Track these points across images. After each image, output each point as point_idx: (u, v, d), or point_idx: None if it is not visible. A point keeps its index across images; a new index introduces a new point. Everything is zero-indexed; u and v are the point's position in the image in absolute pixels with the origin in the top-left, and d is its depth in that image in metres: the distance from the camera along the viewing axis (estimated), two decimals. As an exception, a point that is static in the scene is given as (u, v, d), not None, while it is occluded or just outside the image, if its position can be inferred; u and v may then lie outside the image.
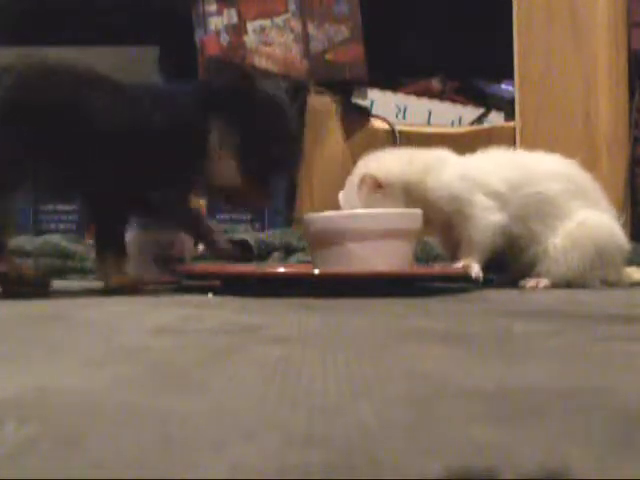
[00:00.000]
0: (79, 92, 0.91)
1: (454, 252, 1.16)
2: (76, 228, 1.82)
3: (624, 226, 1.22)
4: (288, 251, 1.46)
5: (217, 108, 0.91)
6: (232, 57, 1.92)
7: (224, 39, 1.93)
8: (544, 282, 1.15)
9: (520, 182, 1.16)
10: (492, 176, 1.15)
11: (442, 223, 1.16)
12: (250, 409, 0.32)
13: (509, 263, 1.22)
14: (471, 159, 1.19)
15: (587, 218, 1.15)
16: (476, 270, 1.11)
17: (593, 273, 1.15)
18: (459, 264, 1.13)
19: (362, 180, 1.13)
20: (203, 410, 0.32)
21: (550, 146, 1.23)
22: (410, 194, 1.13)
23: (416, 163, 1.15)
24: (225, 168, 0.93)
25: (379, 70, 1.89)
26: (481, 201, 1.13)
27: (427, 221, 1.11)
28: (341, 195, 1.18)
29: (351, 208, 1.14)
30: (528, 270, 1.17)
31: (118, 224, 1.01)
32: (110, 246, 0.99)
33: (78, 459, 0.25)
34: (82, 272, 1.39)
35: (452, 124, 1.90)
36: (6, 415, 0.30)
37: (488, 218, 1.12)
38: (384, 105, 1.89)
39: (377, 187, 1.12)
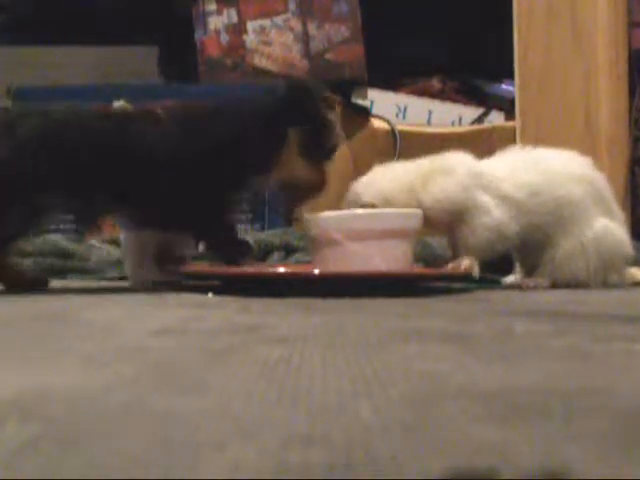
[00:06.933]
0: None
1: (457, 251, 1.15)
2: (76, 228, 1.82)
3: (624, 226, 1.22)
4: (288, 251, 1.46)
5: (291, 118, 1.05)
6: (233, 57, 1.92)
7: (224, 39, 1.93)
8: (544, 283, 1.14)
9: (541, 188, 1.13)
10: (506, 181, 1.12)
11: (445, 225, 1.14)
12: (250, 409, 0.32)
13: (516, 264, 1.22)
14: (485, 163, 1.16)
15: (596, 225, 1.13)
16: (466, 264, 1.10)
17: (595, 279, 1.14)
18: (455, 263, 1.12)
19: (349, 192, 1.13)
20: (203, 410, 0.32)
21: (550, 146, 1.23)
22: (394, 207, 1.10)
23: (409, 176, 1.12)
24: (295, 165, 1.06)
25: (379, 70, 1.89)
26: (482, 204, 1.11)
27: (429, 222, 1.10)
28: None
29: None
30: (534, 271, 1.17)
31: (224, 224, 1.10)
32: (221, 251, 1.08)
33: (78, 459, 0.25)
34: (82, 272, 1.39)
35: (452, 124, 1.90)
36: (6, 415, 0.30)
37: (485, 221, 1.10)
38: (384, 105, 1.89)
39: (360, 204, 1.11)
